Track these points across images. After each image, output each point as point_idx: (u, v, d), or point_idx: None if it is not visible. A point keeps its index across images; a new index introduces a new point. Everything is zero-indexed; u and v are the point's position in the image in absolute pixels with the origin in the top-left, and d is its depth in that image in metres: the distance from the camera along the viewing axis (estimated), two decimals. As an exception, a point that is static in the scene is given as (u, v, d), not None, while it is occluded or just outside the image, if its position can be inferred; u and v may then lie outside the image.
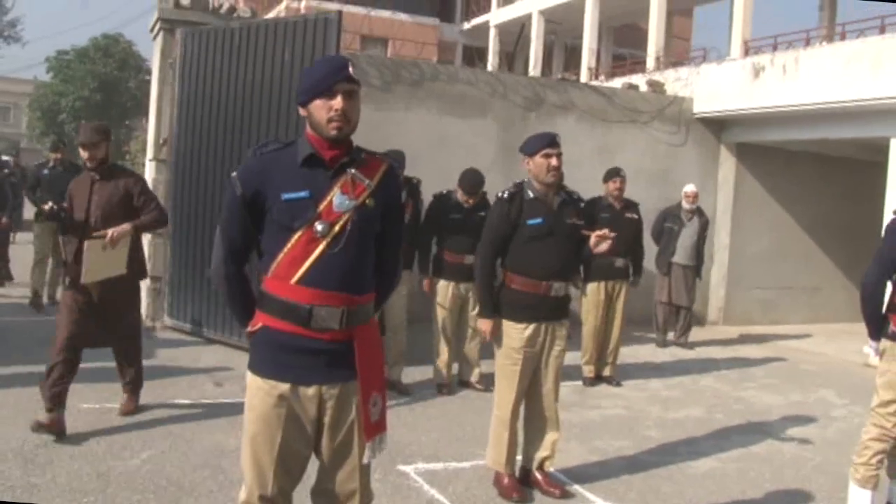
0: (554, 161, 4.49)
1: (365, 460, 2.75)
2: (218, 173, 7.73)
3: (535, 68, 22.67)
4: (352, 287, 2.65)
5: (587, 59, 21.66)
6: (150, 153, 8.96)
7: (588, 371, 7.56)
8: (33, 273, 9.26)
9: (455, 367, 7.00)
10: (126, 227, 5.11)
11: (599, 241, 4.38)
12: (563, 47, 27.73)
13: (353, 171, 2.66)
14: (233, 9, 8.59)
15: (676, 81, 11.68)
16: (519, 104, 10.34)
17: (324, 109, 2.59)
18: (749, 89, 10.74)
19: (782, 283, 12.18)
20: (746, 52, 14.44)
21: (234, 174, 2.71)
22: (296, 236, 2.60)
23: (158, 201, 5.46)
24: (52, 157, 9.34)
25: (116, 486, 4.38)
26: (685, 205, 9.59)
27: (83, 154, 5.20)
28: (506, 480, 4.58)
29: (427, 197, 6.98)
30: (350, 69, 2.61)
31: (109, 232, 5.01)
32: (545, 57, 25.44)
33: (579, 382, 7.47)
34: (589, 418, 6.37)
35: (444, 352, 6.86)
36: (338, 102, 2.57)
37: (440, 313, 6.84)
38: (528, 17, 24.78)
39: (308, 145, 2.66)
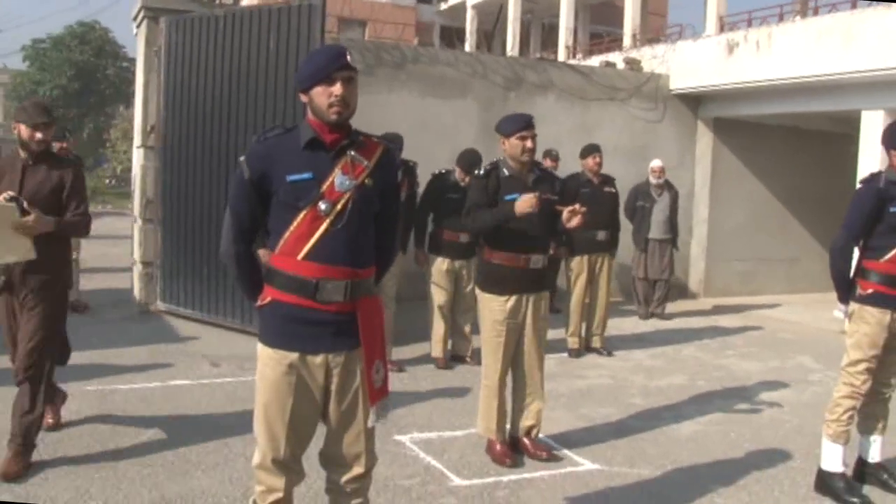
0: (529, 143, 4.71)
1: (370, 424, 2.95)
2: (206, 159, 7.86)
3: (513, 48, 22.81)
4: (354, 261, 2.84)
5: (564, 37, 21.81)
6: (137, 140, 9.07)
7: (573, 343, 7.79)
8: None
9: (450, 343, 7.21)
10: (50, 221, 4.35)
11: (571, 216, 4.58)
12: (540, 26, 27.88)
13: (352, 153, 2.85)
14: (216, -4, 8.68)
15: (653, 59, 11.88)
16: (499, 84, 10.51)
17: (324, 95, 2.77)
18: (724, 65, 10.96)
19: (760, 254, 12.45)
20: (722, 28, 14.64)
21: (241, 158, 2.89)
22: (301, 215, 2.78)
23: (87, 205, 4.69)
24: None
25: (126, 461, 4.56)
26: (653, 180, 9.83)
27: (34, 135, 4.45)
28: (497, 447, 4.81)
29: (423, 178, 7.16)
30: (348, 57, 2.80)
31: (33, 215, 4.26)
32: (523, 36, 25.58)
33: (563, 354, 7.69)
34: (575, 387, 6.60)
35: (439, 328, 7.07)
36: (337, 88, 2.76)
37: (435, 290, 7.04)
38: (505, -4, 24.87)
39: (310, 130, 2.84)
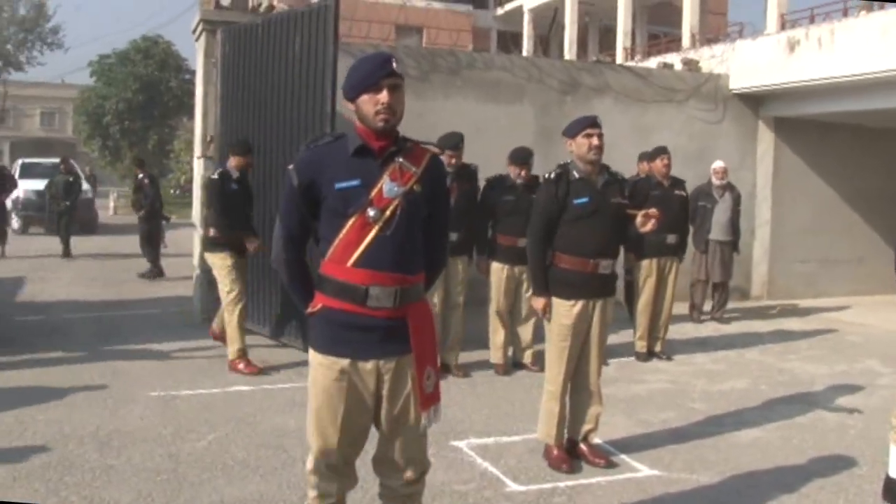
0: (595, 140, 4.65)
1: (421, 429, 2.96)
2: (260, 167, 7.95)
3: (570, 51, 22.73)
4: (403, 267, 2.85)
5: (622, 40, 21.62)
6: (197, 150, 9.25)
7: (641, 346, 7.73)
8: None
9: (510, 349, 7.18)
10: None
11: (646, 220, 4.53)
12: (597, 29, 27.70)
13: (400, 159, 2.88)
14: (271, 7, 8.80)
15: (712, 59, 11.70)
16: (555, 88, 10.46)
17: (371, 103, 2.81)
18: (785, 63, 10.74)
19: (825, 255, 12.17)
20: (783, 26, 14.37)
21: (290, 167, 2.94)
22: (350, 222, 2.81)
23: None
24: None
25: (186, 465, 4.65)
26: (715, 181, 9.68)
27: None
28: (555, 452, 4.78)
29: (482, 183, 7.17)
30: (394, 64, 2.82)
31: None
32: (580, 40, 25.45)
33: (626, 359, 7.62)
34: (634, 392, 6.52)
35: (499, 334, 7.05)
36: (384, 96, 2.79)
37: (495, 296, 7.02)
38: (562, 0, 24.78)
39: (357, 137, 2.88)
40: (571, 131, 4.73)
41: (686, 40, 18.00)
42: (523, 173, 6.89)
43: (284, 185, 2.98)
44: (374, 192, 2.82)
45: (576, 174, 4.73)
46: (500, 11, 30.44)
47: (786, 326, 9.71)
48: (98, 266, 13.82)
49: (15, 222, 19.06)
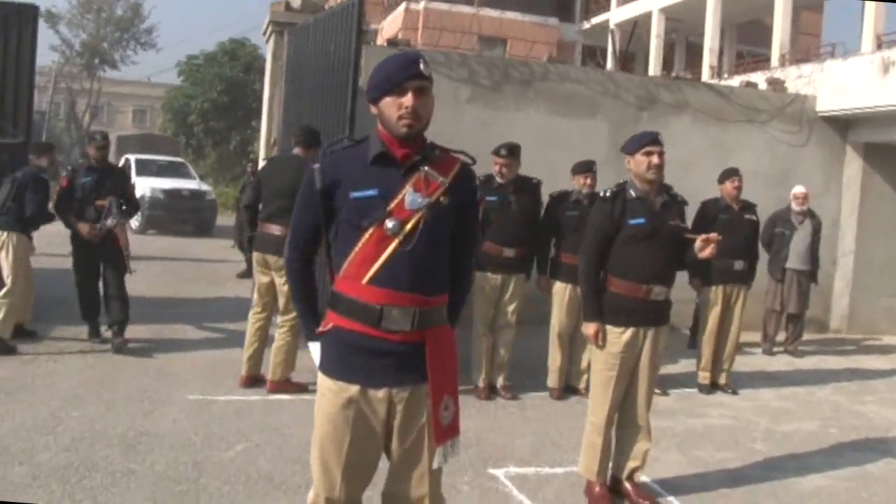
0: (655, 159, 4.34)
1: (435, 465, 2.69)
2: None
3: (654, 68, 22.20)
4: (424, 288, 2.60)
5: (708, 57, 21.01)
6: (262, 153, 9.19)
7: (704, 378, 7.31)
8: None
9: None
10: None
11: (705, 245, 4.19)
12: (684, 46, 27.04)
13: (426, 168, 2.62)
14: (342, 10, 8.68)
15: (799, 79, 11.14)
16: (631, 103, 10.10)
17: (394, 107, 2.55)
18: (878, 85, 10.14)
19: (913, 291, 11.45)
20: (879, 47, 13.68)
21: (315, 166, 2.71)
22: (366, 235, 2.57)
23: None
24: None
25: (209, 476, 4.49)
26: (795, 207, 9.15)
27: None
28: (597, 489, 4.46)
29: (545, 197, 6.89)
30: (421, 66, 2.55)
31: None
32: (666, 56, 24.86)
33: (689, 390, 7.23)
34: (692, 427, 6.13)
35: (556, 357, 6.74)
36: (408, 100, 2.53)
37: (556, 316, 6.72)
38: (649, 14, 24.26)
39: (379, 143, 2.63)
40: (631, 147, 4.42)
41: (775, 60, 17.34)
42: (588, 181, 6.57)
43: (303, 188, 2.74)
44: (393, 204, 2.57)
45: (633, 193, 4.42)
46: (586, 25, 29.98)
47: (864, 364, 9.10)
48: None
49: (134, 222, 17.91)
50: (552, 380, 6.73)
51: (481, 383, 6.49)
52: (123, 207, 7.22)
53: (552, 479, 4.82)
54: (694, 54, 24.96)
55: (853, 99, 10.45)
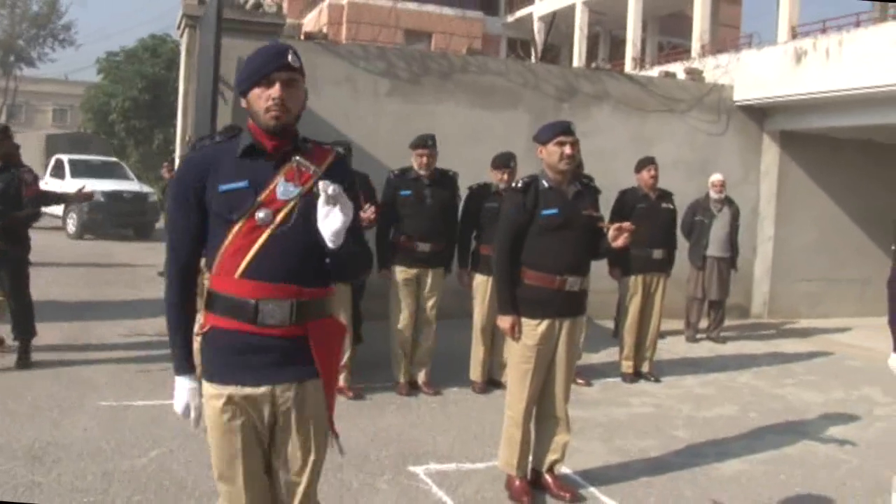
0: (567, 149, 4.30)
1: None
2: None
3: (579, 60, 22.36)
4: (300, 278, 2.49)
5: (631, 49, 21.26)
6: (178, 151, 8.95)
7: (627, 367, 7.36)
8: None
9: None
10: None
11: (618, 234, 4.17)
12: (608, 38, 27.33)
13: (297, 158, 2.53)
14: (258, 4, 8.51)
15: (716, 69, 11.31)
16: (551, 95, 10.13)
17: (262, 99, 2.48)
18: (792, 75, 10.35)
19: (830, 275, 11.74)
20: (794, 38, 13.96)
21: (174, 173, 2.59)
22: (236, 227, 2.47)
23: None
24: None
25: (119, 485, 4.32)
26: (713, 195, 9.29)
27: None
28: (517, 483, 4.42)
29: (463, 191, 6.83)
30: (289, 57, 2.48)
31: None
32: (590, 49, 25.07)
33: (613, 380, 7.26)
34: (615, 417, 6.15)
35: (479, 350, 6.69)
36: (275, 91, 2.45)
37: (478, 309, 6.67)
38: (573, 7, 24.44)
39: (249, 136, 2.55)
40: (543, 137, 4.38)
41: (696, 50, 17.60)
42: (506, 177, 6.54)
43: (172, 188, 2.62)
44: (264, 194, 2.47)
45: (545, 183, 4.38)
46: (510, 19, 30.08)
47: (784, 348, 9.29)
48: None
49: (71, 226, 17.96)
50: (475, 373, 6.69)
51: (401, 379, 6.41)
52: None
53: (473, 474, 4.76)
54: (617, 47, 25.23)
55: (769, 88, 10.66)
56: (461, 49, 10.50)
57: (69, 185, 17.20)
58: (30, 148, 20.30)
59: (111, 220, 17.98)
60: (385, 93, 9.39)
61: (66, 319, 8.34)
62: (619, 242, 4.15)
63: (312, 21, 26.83)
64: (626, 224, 4.19)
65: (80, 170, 19.12)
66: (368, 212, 5.59)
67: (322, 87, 9.04)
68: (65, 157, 20.09)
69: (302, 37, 9.55)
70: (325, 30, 24.63)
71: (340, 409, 5.56)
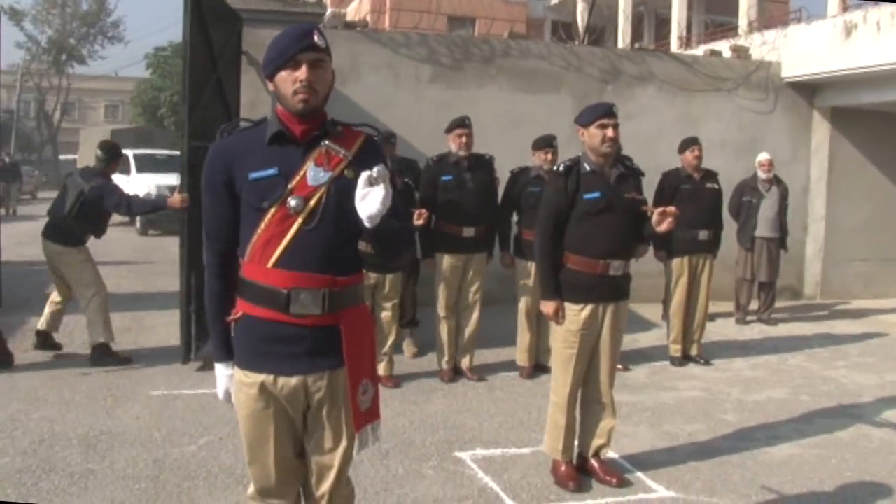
0: (610, 132, 4.26)
1: (356, 452, 2.63)
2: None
3: (624, 41, 22.08)
4: (333, 267, 2.49)
5: (676, 29, 20.94)
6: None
7: (675, 350, 7.28)
8: None
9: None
10: None
11: (662, 218, 4.11)
12: (653, 18, 26.96)
13: (327, 142, 2.50)
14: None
15: (763, 45, 11.07)
16: (595, 77, 10.02)
17: (289, 81, 2.43)
18: (841, 49, 10.08)
19: (884, 254, 11.46)
20: (845, 11, 13.62)
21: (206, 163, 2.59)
22: (268, 216, 2.45)
23: None
24: None
25: (170, 472, 4.41)
26: (761, 174, 9.11)
27: None
28: (562, 468, 4.41)
29: (504, 175, 6.81)
30: (315, 37, 2.43)
31: None
32: (635, 30, 24.75)
33: (661, 363, 7.20)
34: (662, 401, 6.09)
35: (525, 336, 6.67)
36: (302, 73, 2.41)
37: (522, 295, 6.65)
38: (616, -12, 24.11)
39: (277, 121, 2.51)
40: (585, 119, 4.34)
41: (743, 27, 17.25)
42: (549, 156, 6.47)
43: (203, 177, 2.59)
44: (294, 181, 2.45)
45: (587, 167, 4.34)
46: (553, 1, 29.81)
47: (837, 330, 9.11)
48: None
49: (137, 222, 17.69)
50: (521, 359, 6.68)
51: (445, 366, 6.42)
52: None
53: (519, 459, 4.76)
54: (663, 27, 24.87)
55: (818, 64, 10.40)
56: (504, 34, 10.42)
57: (135, 180, 17.35)
58: (95, 144, 20.39)
59: (177, 214, 17.96)
60: (427, 79, 9.38)
61: (118, 311, 8.48)
62: (664, 227, 4.10)
63: (354, 10, 26.88)
64: (671, 208, 4.13)
65: (145, 164, 19.03)
66: (419, 218, 5.58)
67: (364, 75, 9.07)
68: (130, 152, 19.57)
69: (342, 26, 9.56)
70: (367, 18, 24.71)
71: (386, 396, 5.66)
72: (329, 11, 9.50)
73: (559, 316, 4.33)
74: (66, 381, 6.03)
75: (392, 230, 2.50)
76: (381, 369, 6.12)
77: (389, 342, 6.18)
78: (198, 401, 5.68)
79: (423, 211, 5.72)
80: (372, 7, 26.36)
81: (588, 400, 4.47)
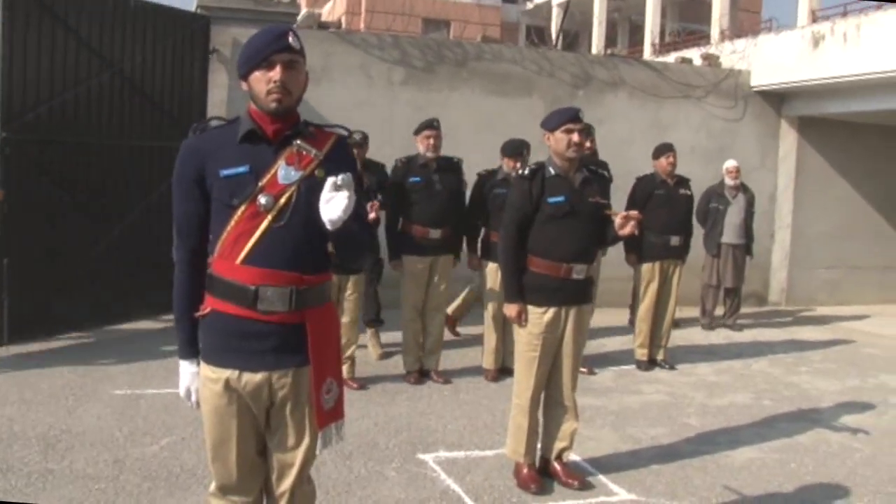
0: (575, 137, 4.28)
1: (319, 451, 2.63)
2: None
3: (597, 46, 22.22)
4: (301, 265, 2.50)
5: (649, 35, 21.11)
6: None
7: (641, 354, 7.33)
8: None
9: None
10: None
11: (625, 222, 4.14)
12: (627, 25, 27.16)
13: (298, 142, 2.52)
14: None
15: (733, 54, 11.19)
16: (566, 81, 10.08)
17: (263, 81, 2.46)
18: (809, 60, 10.22)
19: (849, 262, 11.63)
20: (814, 22, 13.80)
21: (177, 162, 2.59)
22: (238, 213, 2.47)
23: None
24: None
25: (130, 472, 4.37)
26: (728, 181, 9.22)
27: None
28: (524, 471, 4.42)
29: (472, 177, 6.82)
30: (290, 39, 2.46)
31: None
32: (609, 36, 24.91)
33: (627, 367, 7.24)
34: (626, 405, 6.14)
35: (491, 338, 6.69)
36: (276, 73, 2.44)
37: (488, 298, 6.66)
38: (591, -7, 24.26)
39: (249, 120, 2.53)
40: (551, 124, 4.36)
41: (715, 36, 17.42)
42: (518, 165, 6.51)
43: (175, 174, 2.60)
44: (265, 179, 2.47)
45: (552, 171, 4.36)
46: (529, 6, 29.96)
47: (800, 336, 9.22)
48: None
49: None
50: (487, 361, 6.69)
51: (412, 368, 6.43)
52: None
53: (482, 462, 4.77)
54: (637, 33, 25.06)
55: (786, 73, 10.54)
56: (477, 37, 10.45)
57: None
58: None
59: None
60: (399, 81, 9.38)
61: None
62: (627, 231, 4.13)
63: (329, 11, 26.83)
64: (634, 212, 4.17)
65: None
66: (371, 213, 5.59)
67: (336, 76, 9.06)
68: None
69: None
70: (342, 19, 24.66)
71: (351, 397, 5.64)
72: (304, 11, 9.46)
73: (522, 319, 4.35)
74: (27, 380, 5.95)
75: (352, 234, 2.53)
76: (344, 371, 6.11)
77: (353, 347, 6.18)
78: (161, 400, 5.63)
79: (375, 203, 5.71)
80: (347, 8, 26.34)
81: (550, 403, 4.50)
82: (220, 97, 8.22)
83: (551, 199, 4.30)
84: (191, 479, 4.31)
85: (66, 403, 5.50)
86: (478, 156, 7.47)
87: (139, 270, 7.54)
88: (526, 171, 4.43)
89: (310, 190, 2.47)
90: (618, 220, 4.14)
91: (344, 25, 19.49)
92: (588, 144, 6.63)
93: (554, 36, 15.47)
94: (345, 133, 2.70)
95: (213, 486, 2.71)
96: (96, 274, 7.49)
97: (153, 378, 6.18)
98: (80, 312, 7.42)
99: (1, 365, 6.33)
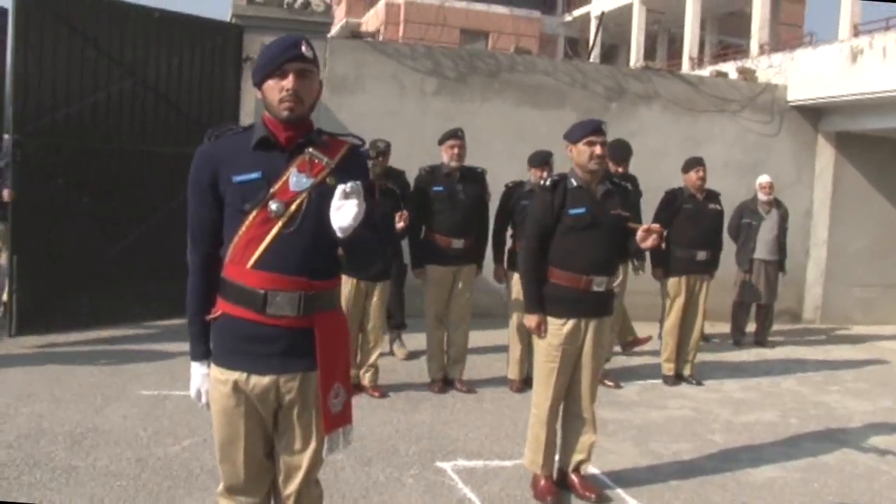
0: (598, 149, 4.29)
1: (325, 455, 2.66)
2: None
3: (637, 59, 22.14)
4: (310, 271, 2.54)
5: (688, 48, 20.99)
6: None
7: (668, 369, 7.27)
8: None
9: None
10: None
11: (647, 235, 4.13)
12: (666, 37, 27.02)
13: (310, 150, 2.56)
14: (307, 3, 8.61)
15: (769, 68, 11.10)
16: (600, 94, 10.06)
17: (275, 89, 2.51)
18: (847, 74, 10.10)
19: (886, 280, 11.43)
20: (856, 36, 13.63)
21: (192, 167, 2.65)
22: (249, 218, 2.52)
23: None
24: None
25: (151, 471, 4.44)
26: (761, 196, 9.12)
27: None
28: (542, 482, 4.42)
29: (499, 189, 6.84)
30: (302, 48, 2.51)
31: None
32: (648, 48, 24.82)
33: (654, 381, 7.20)
34: (650, 419, 6.09)
35: (516, 348, 6.69)
36: (288, 82, 2.49)
37: (514, 309, 6.66)
38: (630, 6, 24.21)
39: (263, 128, 2.59)
40: (573, 136, 4.37)
41: (754, 50, 17.30)
42: (544, 174, 6.51)
43: (189, 179, 2.65)
44: (277, 186, 2.52)
45: (574, 182, 4.36)
46: (568, 18, 29.93)
47: (833, 355, 9.09)
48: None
49: None
50: (512, 372, 6.69)
51: (436, 376, 6.45)
52: None
53: (500, 471, 4.77)
54: (676, 46, 24.94)
55: (824, 88, 10.42)
56: (506, 47, 10.48)
57: None
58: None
59: None
60: (431, 91, 9.44)
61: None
62: (648, 244, 4.11)
63: (366, 21, 27.02)
64: (655, 225, 4.15)
65: None
66: (400, 222, 5.65)
67: (369, 85, 9.13)
68: None
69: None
70: (382, 29, 24.83)
71: (374, 404, 5.69)
72: (346, 21, 9.57)
73: (542, 330, 4.36)
74: (57, 379, 6.08)
75: (363, 242, 2.57)
76: (367, 380, 6.17)
77: (376, 353, 6.21)
78: (187, 402, 5.68)
79: (405, 213, 5.76)
80: (387, 18, 26.50)
81: (569, 415, 4.49)
82: (252, 105, 8.31)
83: (572, 211, 4.31)
84: (210, 479, 4.36)
85: (95, 402, 5.61)
86: (508, 167, 7.49)
87: (162, 272, 7.63)
88: (548, 183, 4.43)
89: (321, 197, 2.51)
90: (639, 233, 4.13)
91: (382, 36, 19.64)
92: (620, 169, 6.67)
93: (589, 48, 15.42)
94: (358, 142, 2.73)
95: (221, 487, 2.75)
96: (119, 274, 7.73)
97: (180, 379, 6.24)
98: (102, 309, 7.80)
99: (32, 362, 6.47)
